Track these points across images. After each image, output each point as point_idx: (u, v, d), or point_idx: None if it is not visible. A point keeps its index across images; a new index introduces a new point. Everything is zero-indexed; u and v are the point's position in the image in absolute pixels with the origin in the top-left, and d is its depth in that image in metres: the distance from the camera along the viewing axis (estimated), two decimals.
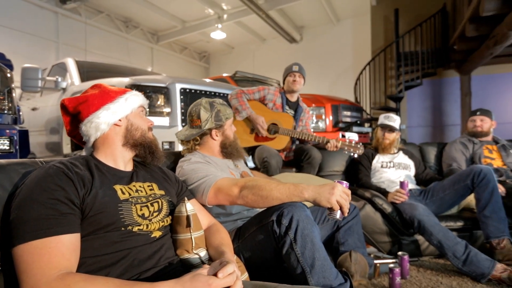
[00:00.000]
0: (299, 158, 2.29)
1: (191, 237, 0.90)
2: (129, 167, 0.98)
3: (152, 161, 1.00)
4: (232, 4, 7.74)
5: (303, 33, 9.52)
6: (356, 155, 2.06)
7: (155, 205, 0.92)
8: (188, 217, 0.90)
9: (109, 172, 0.91)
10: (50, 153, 3.35)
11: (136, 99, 1.00)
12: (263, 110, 2.32)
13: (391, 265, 1.48)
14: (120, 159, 0.96)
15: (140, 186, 0.94)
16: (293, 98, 2.42)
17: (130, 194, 0.88)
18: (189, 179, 1.22)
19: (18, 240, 0.68)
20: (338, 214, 1.01)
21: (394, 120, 2.33)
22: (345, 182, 1.06)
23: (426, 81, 6.22)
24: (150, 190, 0.96)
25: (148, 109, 1.09)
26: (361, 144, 2.06)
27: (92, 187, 0.81)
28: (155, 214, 0.90)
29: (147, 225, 0.87)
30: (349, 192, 1.03)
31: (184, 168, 1.28)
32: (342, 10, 8.46)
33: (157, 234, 0.88)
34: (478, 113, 2.49)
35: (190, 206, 0.92)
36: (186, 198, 0.96)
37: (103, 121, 0.93)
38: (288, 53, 9.25)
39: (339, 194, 1.00)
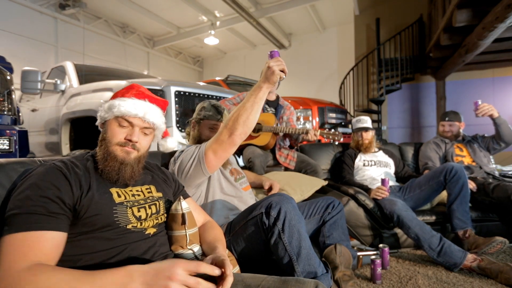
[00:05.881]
0: (304, 168, 2.26)
1: (186, 234, 0.89)
2: None
3: (117, 179, 0.85)
4: (225, 12, 7.71)
5: (292, 40, 9.54)
6: (336, 142, 2.06)
7: (153, 207, 0.89)
8: (183, 215, 0.89)
9: (106, 174, 0.87)
10: (49, 153, 3.27)
11: (121, 108, 0.87)
12: None
13: (373, 257, 1.50)
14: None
15: (137, 190, 0.90)
16: (271, 97, 2.40)
17: (126, 198, 0.85)
18: (184, 161, 1.24)
19: (5, 231, 0.67)
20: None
21: (366, 121, 2.33)
22: (276, 50, 1.13)
23: (405, 86, 6.32)
24: (148, 192, 0.92)
25: (148, 120, 0.91)
26: (339, 131, 2.07)
27: (89, 189, 0.79)
28: (153, 216, 0.88)
29: (141, 223, 0.84)
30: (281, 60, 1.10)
31: (177, 155, 1.31)
32: (327, 19, 8.52)
33: (151, 231, 0.87)
34: (446, 118, 2.46)
35: (185, 204, 0.91)
36: (181, 197, 0.94)
37: (99, 121, 0.92)
38: None
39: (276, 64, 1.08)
